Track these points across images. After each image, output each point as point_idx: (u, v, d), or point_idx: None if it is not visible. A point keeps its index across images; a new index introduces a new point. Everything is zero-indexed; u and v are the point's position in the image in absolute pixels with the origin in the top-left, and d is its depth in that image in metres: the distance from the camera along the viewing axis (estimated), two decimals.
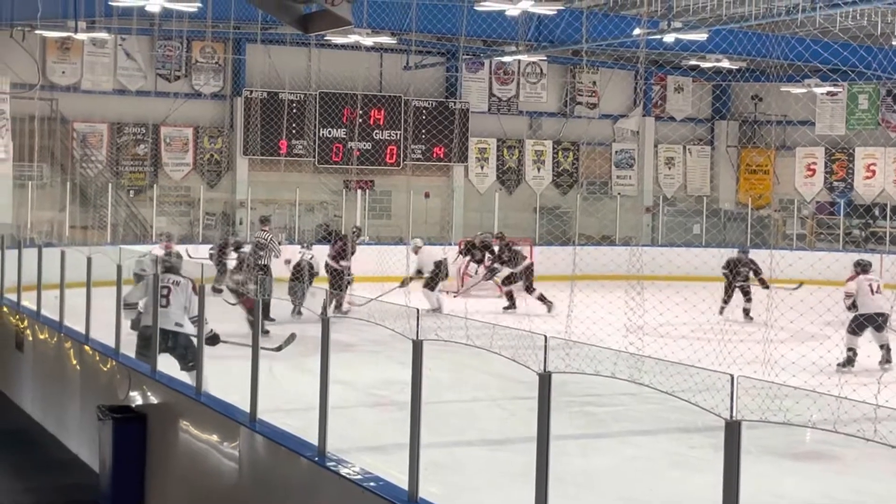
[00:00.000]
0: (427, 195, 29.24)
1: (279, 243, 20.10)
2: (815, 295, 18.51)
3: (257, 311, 8.54)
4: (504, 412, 11.53)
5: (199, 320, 9.14)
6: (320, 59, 27.40)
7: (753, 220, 30.04)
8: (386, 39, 24.31)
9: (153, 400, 9.20)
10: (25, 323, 13.27)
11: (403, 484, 5.90)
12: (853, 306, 15.11)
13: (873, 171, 30.86)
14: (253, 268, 17.41)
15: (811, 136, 30.38)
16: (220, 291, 20.74)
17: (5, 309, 14.43)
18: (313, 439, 6.76)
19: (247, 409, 7.59)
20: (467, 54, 28.62)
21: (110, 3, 19.09)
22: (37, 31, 23.14)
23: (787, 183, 32.49)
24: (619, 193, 31.39)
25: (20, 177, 24.78)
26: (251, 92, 27.82)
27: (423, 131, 29.32)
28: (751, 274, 19.96)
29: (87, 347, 10.84)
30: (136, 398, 9.43)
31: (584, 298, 14.90)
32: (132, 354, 10.31)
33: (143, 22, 23.45)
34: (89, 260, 11.24)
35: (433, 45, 28.63)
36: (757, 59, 25.72)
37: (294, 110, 28.00)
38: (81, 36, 22.70)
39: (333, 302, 17.31)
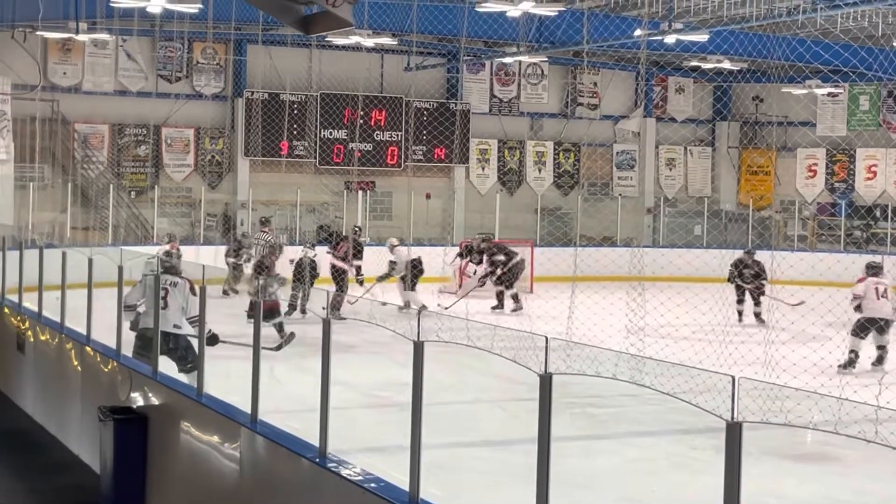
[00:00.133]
0: (428, 196, 29.24)
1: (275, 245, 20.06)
2: (816, 296, 18.53)
3: (257, 312, 8.53)
4: (505, 413, 11.53)
5: (200, 321, 9.13)
6: (321, 60, 27.42)
7: (754, 221, 30.05)
8: (387, 40, 24.32)
9: (154, 401, 9.20)
10: (27, 324, 13.27)
11: (404, 485, 5.90)
12: (859, 308, 15.12)
13: (874, 173, 30.86)
14: (264, 269, 17.38)
15: (812, 137, 30.38)
16: (230, 293, 20.76)
17: (6, 310, 14.44)
18: (314, 440, 6.76)
19: (248, 409, 7.59)
20: (468, 55, 28.63)
21: (111, 4, 19.09)
22: (38, 33, 23.16)
23: (788, 184, 32.48)
24: (620, 194, 31.39)
25: (21, 178, 24.79)
26: (252, 93, 27.83)
27: (424, 132, 29.32)
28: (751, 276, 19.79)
29: (88, 349, 10.84)
30: (137, 399, 9.43)
31: (586, 300, 14.90)
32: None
33: (144, 23, 23.47)
34: (90, 261, 11.24)
35: (434, 46, 28.64)
36: (758, 60, 25.73)
37: (295, 111, 28.01)
38: (82, 37, 22.71)
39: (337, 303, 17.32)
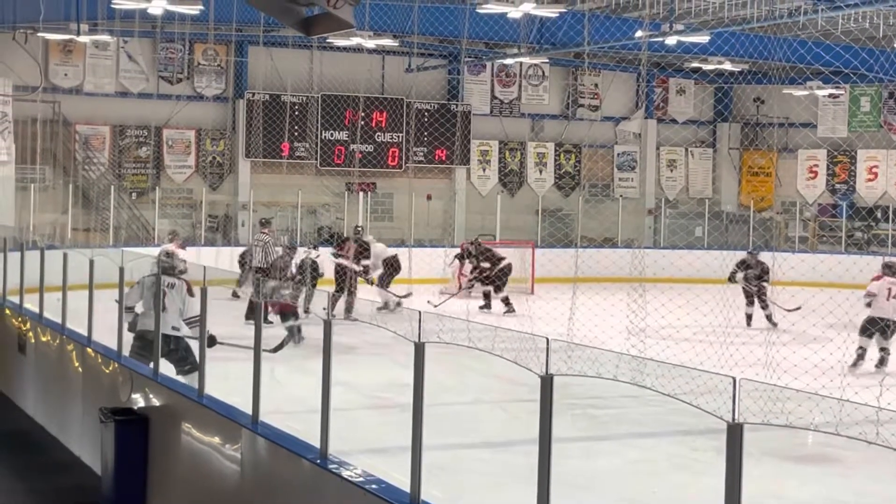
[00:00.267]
0: (429, 197, 29.25)
1: (278, 246, 20.01)
2: (817, 298, 18.52)
3: (258, 313, 8.53)
4: (506, 414, 11.53)
5: (201, 322, 9.13)
6: (322, 61, 27.43)
7: (755, 222, 30.05)
8: (388, 42, 24.33)
9: (155, 402, 9.21)
10: (28, 325, 13.27)
11: (405, 486, 5.90)
12: (869, 305, 15.17)
13: (875, 174, 30.86)
14: (278, 270, 17.31)
15: (813, 138, 30.38)
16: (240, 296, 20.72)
17: (8, 311, 14.44)
18: (315, 441, 6.76)
19: (249, 411, 7.59)
20: (469, 57, 28.64)
21: (112, 5, 19.09)
22: (39, 34, 23.17)
23: (789, 185, 32.48)
24: (621, 196, 31.39)
25: (22, 179, 24.80)
26: (253, 94, 27.84)
27: (425, 134, 29.33)
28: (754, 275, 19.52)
29: (89, 350, 10.84)
30: (138, 400, 9.43)
31: (587, 301, 14.90)
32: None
33: (145, 24, 23.49)
34: (91, 262, 11.24)
35: (435, 47, 28.65)
36: (759, 61, 25.72)
37: (296, 113, 28.02)
38: (84, 38, 22.71)
39: (346, 304, 17.26)
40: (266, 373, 7.95)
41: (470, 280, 21.75)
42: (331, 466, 6.54)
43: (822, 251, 28.00)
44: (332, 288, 18.78)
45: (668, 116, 32.94)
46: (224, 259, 21.95)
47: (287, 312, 14.60)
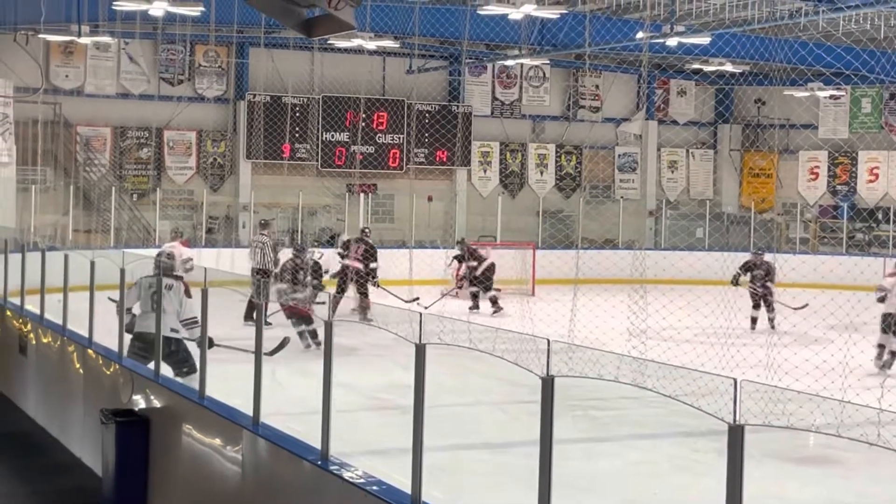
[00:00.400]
0: (430, 199, 29.26)
1: (276, 247, 19.93)
2: (818, 299, 18.50)
3: (259, 314, 8.53)
4: (507, 416, 11.53)
5: (202, 324, 9.13)
6: (323, 62, 27.45)
7: (756, 223, 30.04)
8: (389, 43, 24.34)
9: (156, 403, 9.20)
10: (29, 327, 13.27)
11: (406, 487, 5.90)
12: (882, 300, 15.22)
13: (876, 175, 30.86)
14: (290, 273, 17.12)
15: (814, 139, 30.39)
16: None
17: (9, 313, 14.44)
18: (316, 443, 6.76)
19: (249, 412, 7.59)
20: (470, 58, 28.65)
21: (113, 6, 19.11)
22: (40, 35, 23.19)
23: (790, 186, 32.48)
24: (621, 197, 31.39)
25: (24, 180, 24.81)
26: (254, 96, 27.84)
27: (426, 135, 29.33)
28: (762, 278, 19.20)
29: (90, 351, 10.84)
30: (139, 402, 9.43)
31: (587, 302, 14.90)
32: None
33: (146, 26, 23.50)
34: (93, 264, 11.24)
35: (436, 48, 28.66)
36: (760, 62, 25.72)
37: (297, 114, 28.02)
38: (85, 40, 22.73)
39: (360, 307, 17.18)
40: (267, 374, 7.95)
41: (460, 280, 21.79)
42: (332, 468, 6.54)
43: (824, 252, 27.99)
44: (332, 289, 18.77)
45: (668, 118, 32.94)
46: (225, 260, 21.97)
47: (303, 317, 14.54)
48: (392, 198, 29.47)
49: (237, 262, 21.43)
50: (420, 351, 5.87)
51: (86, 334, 11.12)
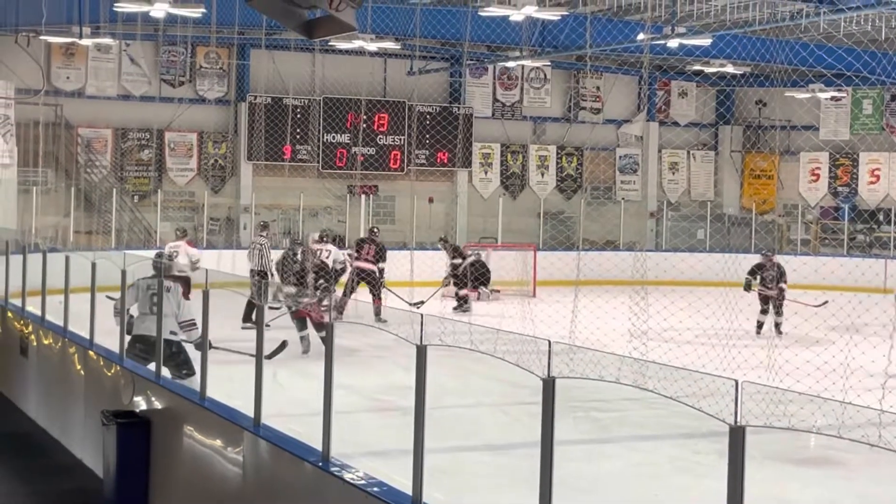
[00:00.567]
0: (431, 200, 29.27)
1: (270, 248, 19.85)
2: (819, 300, 18.52)
3: (259, 316, 8.53)
4: (508, 417, 11.53)
5: (203, 326, 9.13)
6: (324, 64, 27.44)
7: (757, 225, 30.04)
8: (390, 45, 24.35)
9: (157, 405, 9.21)
10: (30, 328, 13.28)
11: (407, 489, 5.90)
12: None
13: (877, 176, 30.86)
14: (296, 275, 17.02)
15: (815, 140, 30.38)
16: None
17: (10, 314, 14.44)
18: (317, 444, 6.77)
19: (251, 413, 7.60)
20: (471, 59, 28.66)
21: (115, 8, 19.11)
22: (41, 37, 23.19)
23: (791, 188, 32.48)
24: (623, 198, 31.39)
25: (25, 182, 24.82)
26: (255, 97, 27.85)
27: (427, 136, 29.33)
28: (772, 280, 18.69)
29: (91, 352, 10.84)
30: (140, 403, 9.43)
31: (588, 303, 14.89)
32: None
33: (147, 27, 23.51)
34: (94, 265, 11.25)
35: (437, 50, 28.66)
36: (761, 64, 25.73)
37: (298, 115, 28.03)
38: (86, 41, 22.73)
39: (375, 309, 17.07)
40: (268, 376, 7.96)
41: (446, 278, 21.80)
42: (333, 469, 6.54)
43: (825, 254, 27.96)
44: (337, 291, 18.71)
45: (669, 119, 32.95)
46: (226, 262, 21.97)
47: (306, 321, 14.43)
48: (393, 199, 29.48)
49: (238, 263, 21.42)
50: (421, 352, 5.87)
51: (87, 336, 11.13)
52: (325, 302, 11.02)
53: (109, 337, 10.72)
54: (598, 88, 32.00)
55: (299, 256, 17.87)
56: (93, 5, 21.16)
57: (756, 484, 4.55)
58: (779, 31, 22.18)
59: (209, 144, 28.20)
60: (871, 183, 31.00)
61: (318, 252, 19.30)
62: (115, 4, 18.71)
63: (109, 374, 10.30)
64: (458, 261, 21.69)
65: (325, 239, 20.65)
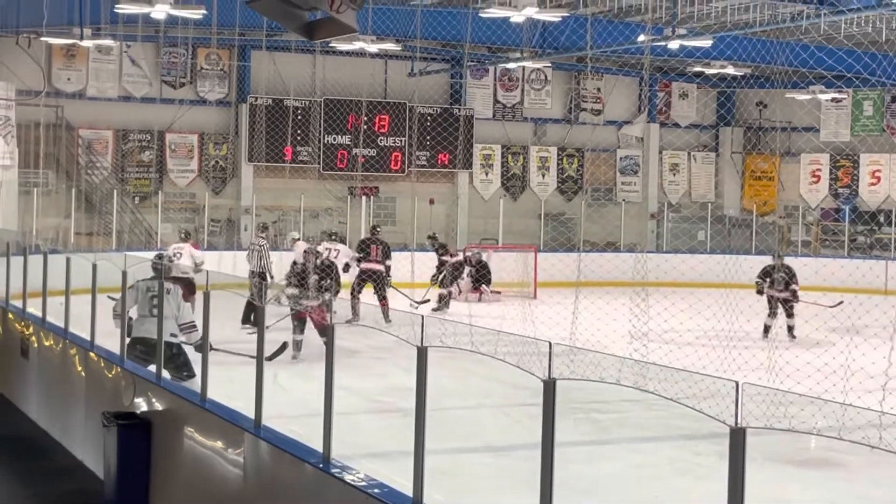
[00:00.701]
0: (431, 202, 29.27)
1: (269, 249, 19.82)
2: (820, 302, 18.51)
3: (260, 317, 8.54)
4: (508, 419, 11.53)
5: (204, 328, 9.14)
6: (325, 65, 27.45)
7: (758, 226, 30.03)
8: (391, 46, 24.35)
9: (158, 406, 9.21)
10: (31, 329, 13.28)
11: (408, 490, 5.90)
12: None
13: (878, 178, 30.86)
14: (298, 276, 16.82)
15: (816, 142, 30.37)
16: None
17: (10, 316, 14.45)
18: (318, 446, 6.77)
19: (251, 415, 7.60)
20: (472, 61, 28.65)
21: (115, 10, 19.12)
22: (42, 38, 23.19)
23: (791, 189, 32.49)
24: (623, 200, 31.39)
25: (25, 183, 24.83)
26: (256, 99, 27.86)
27: (428, 138, 29.34)
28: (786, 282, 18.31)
29: (92, 354, 10.85)
30: (141, 405, 9.43)
31: (589, 305, 14.89)
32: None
33: (148, 29, 23.52)
34: (94, 266, 11.26)
35: (438, 51, 28.67)
36: (761, 65, 25.73)
37: (299, 117, 28.03)
38: (87, 43, 22.75)
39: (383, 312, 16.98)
40: (269, 377, 7.96)
41: (434, 276, 21.81)
42: (333, 471, 6.54)
43: (825, 255, 27.93)
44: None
45: (670, 120, 32.96)
46: (226, 263, 21.98)
47: (304, 321, 14.34)
48: (394, 200, 29.48)
49: (239, 264, 21.44)
50: (422, 354, 5.88)
51: (88, 337, 11.13)
52: (325, 302, 11.01)
53: (110, 338, 10.72)
54: (598, 90, 32.01)
55: (301, 258, 17.81)
56: (94, 7, 21.18)
57: (757, 485, 4.55)
58: (779, 32, 22.19)
59: (210, 146, 28.20)
60: (872, 184, 30.99)
61: (328, 252, 19.30)
62: (116, 6, 18.72)
63: (110, 375, 10.30)
64: (447, 258, 21.62)
65: (334, 238, 20.71)
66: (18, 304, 14.16)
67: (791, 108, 29.83)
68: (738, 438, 4.19)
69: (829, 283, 20.86)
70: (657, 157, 32.62)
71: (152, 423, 9.14)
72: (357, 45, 23.14)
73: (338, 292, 19.31)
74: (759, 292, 18.38)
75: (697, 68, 27.54)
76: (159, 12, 18.87)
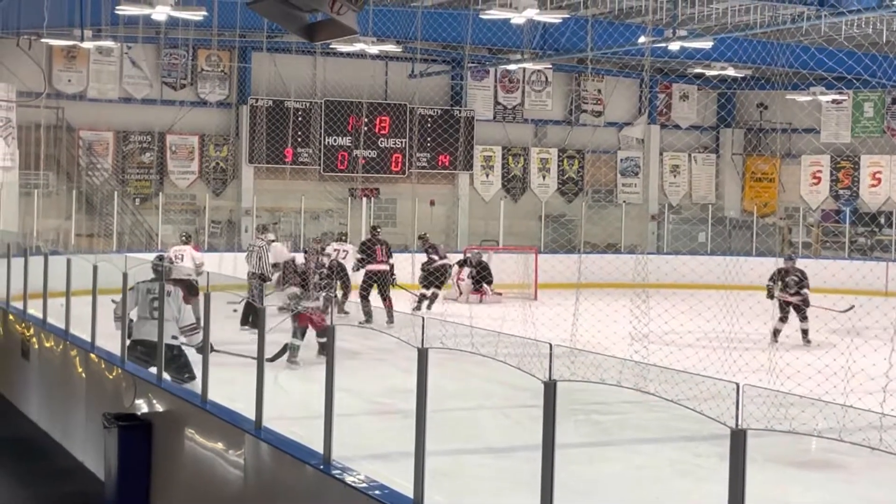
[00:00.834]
0: (432, 203, 29.27)
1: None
2: (821, 304, 18.47)
3: (261, 319, 8.54)
4: (509, 420, 11.53)
5: (204, 329, 9.14)
6: (326, 67, 27.46)
7: (759, 228, 30.02)
8: (391, 48, 24.35)
9: (158, 408, 9.21)
10: (31, 331, 13.28)
11: (409, 492, 5.90)
12: None
13: (879, 179, 30.85)
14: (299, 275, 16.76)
15: (816, 144, 30.36)
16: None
17: (11, 317, 14.45)
18: (318, 447, 6.77)
19: (252, 416, 7.60)
20: (472, 62, 28.65)
21: (116, 11, 19.12)
22: (43, 40, 23.21)
23: (792, 191, 32.48)
24: (624, 201, 31.38)
25: (26, 185, 24.83)
26: (257, 100, 27.87)
27: (429, 139, 29.34)
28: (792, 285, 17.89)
29: (92, 355, 10.85)
30: (142, 406, 9.44)
31: (590, 306, 14.88)
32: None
33: (148, 30, 23.52)
34: (95, 268, 11.26)
35: (438, 53, 28.68)
36: (762, 67, 25.73)
37: (299, 118, 28.04)
38: (87, 44, 22.74)
39: (388, 313, 16.94)
40: (269, 379, 7.96)
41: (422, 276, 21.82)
42: (334, 472, 6.54)
43: (826, 257, 27.92)
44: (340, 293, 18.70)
45: (671, 122, 32.96)
46: (227, 264, 21.99)
47: (323, 331, 14.17)
48: (394, 202, 29.48)
49: (239, 266, 21.45)
50: (422, 355, 5.88)
51: (88, 338, 11.13)
52: (328, 298, 11.02)
53: (111, 340, 10.72)
54: (599, 91, 32.01)
55: (281, 259, 17.87)
56: (94, 8, 21.18)
57: (757, 487, 4.55)
58: (780, 34, 22.18)
59: (210, 147, 28.21)
60: (873, 186, 30.99)
61: (337, 253, 19.32)
62: (117, 7, 18.72)
63: (111, 376, 10.30)
64: (435, 257, 21.55)
65: (343, 239, 20.75)
66: (19, 305, 14.17)
67: (791, 109, 29.82)
68: (738, 440, 4.19)
69: (829, 285, 20.85)
70: (658, 158, 32.62)
71: (153, 425, 9.15)
72: (357, 47, 23.14)
73: (349, 293, 19.33)
74: (770, 296, 17.92)
75: (698, 70, 27.54)
76: (160, 14, 18.87)
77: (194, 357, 10.08)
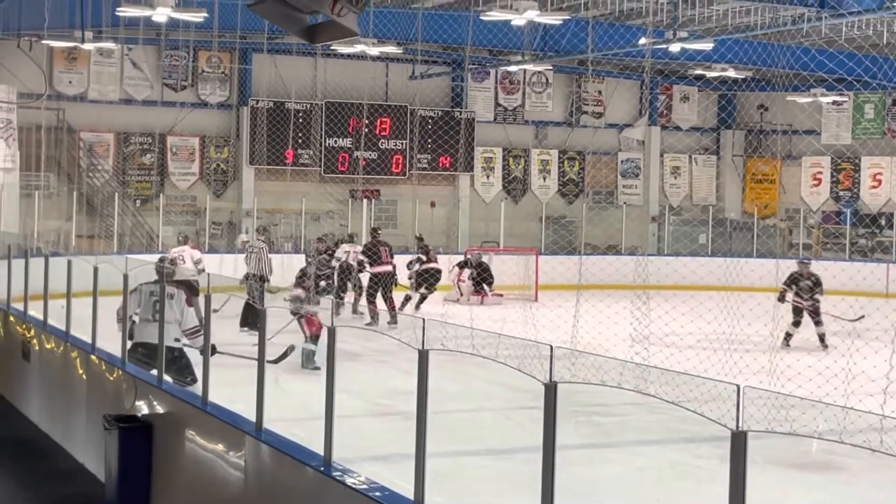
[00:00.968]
0: (433, 204, 29.27)
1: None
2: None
3: (261, 320, 8.54)
4: (510, 422, 11.53)
5: (205, 331, 9.14)
6: (326, 68, 27.47)
7: (759, 229, 30.02)
8: (392, 49, 24.36)
9: (159, 409, 9.21)
10: (32, 332, 13.28)
11: (409, 493, 5.90)
12: None
13: (879, 181, 30.85)
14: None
15: (817, 145, 30.37)
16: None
17: (12, 318, 14.45)
18: (319, 449, 6.77)
19: (252, 418, 7.60)
20: (473, 64, 28.67)
21: (117, 13, 19.14)
22: (44, 41, 23.23)
23: (792, 192, 32.48)
24: (624, 203, 31.39)
25: (27, 186, 24.85)
26: (257, 101, 27.88)
27: (429, 141, 29.35)
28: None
29: (93, 357, 10.85)
30: (142, 407, 9.43)
31: (590, 308, 14.89)
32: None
33: (149, 32, 23.52)
34: (96, 269, 11.26)
35: (439, 54, 28.69)
36: (763, 68, 25.73)
37: (300, 120, 28.05)
38: (88, 46, 22.75)
39: (390, 315, 16.84)
40: (270, 380, 7.96)
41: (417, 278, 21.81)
42: (335, 474, 6.54)
43: (826, 258, 27.92)
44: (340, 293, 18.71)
45: (671, 123, 32.96)
46: (228, 266, 21.97)
47: (317, 335, 14.14)
48: (395, 203, 29.48)
49: (239, 267, 21.45)
50: (423, 357, 5.88)
51: (89, 340, 11.13)
52: (328, 304, 10.99)
53: (111, 341, 10.72)
54: (599, 93, 32.02)
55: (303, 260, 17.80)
56: (95, 10, 21.18)
57: (758, 489, 4.55)
58: (780, 35, 22.18)
59: (211, 149, 28.22)
60: (873, 187, 30.99)
61: (347, 255, 19.34)
62: (118, 9, 18.74)
63: (111, 378, 10.30)
64: (424, 258, 21.50)
65: (353, 241, 20.78)
66: (20, 306, 14.16)
67: (792, 111, 29.83)
68: (739, 442, 4.19)
69: (829, 287, 20.83)
70: (658, 160, 32.62)
71: (153, 426, 9.14)
72: (358, 48, 23.15)
73: (362, 294, 19.32)
74: (781, 300, 17.66)
75: (698, 71, 27.53)
76: (160, 15, 18.86)
77: (198, 359, 10.06)
